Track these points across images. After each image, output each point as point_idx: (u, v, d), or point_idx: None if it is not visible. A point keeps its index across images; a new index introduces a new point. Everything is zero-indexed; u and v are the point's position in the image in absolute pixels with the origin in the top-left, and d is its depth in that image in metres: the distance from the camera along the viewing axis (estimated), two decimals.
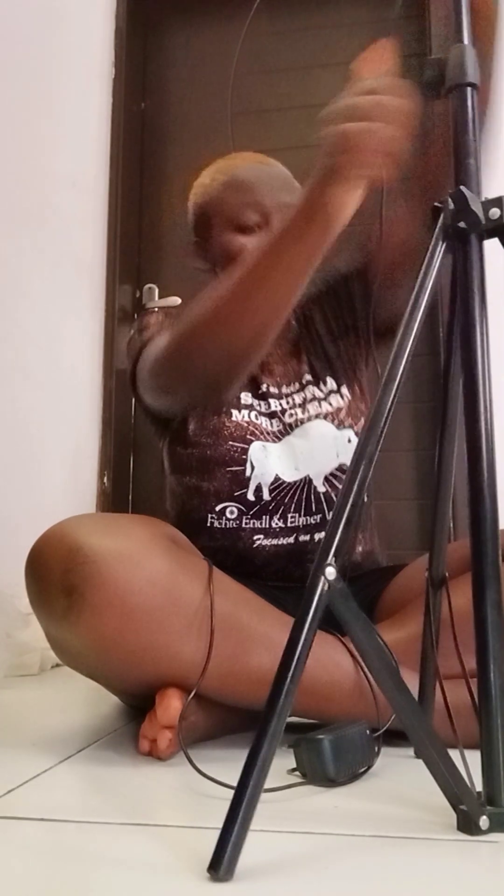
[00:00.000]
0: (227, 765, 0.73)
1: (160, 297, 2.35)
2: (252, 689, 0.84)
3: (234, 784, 0.54)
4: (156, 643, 0.83)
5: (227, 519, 1.13)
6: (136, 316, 2.37)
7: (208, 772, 0.74)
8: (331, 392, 1.20)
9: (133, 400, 1.14)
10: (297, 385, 1.20)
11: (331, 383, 1.21)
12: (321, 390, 1.20)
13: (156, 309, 1.19)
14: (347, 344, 1.24)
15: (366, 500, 1.23)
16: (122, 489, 2.24)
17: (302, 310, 1.26)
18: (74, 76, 2.40)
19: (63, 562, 0.83)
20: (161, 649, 0.83)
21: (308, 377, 1.21)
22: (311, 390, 1.19)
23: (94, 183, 2.33)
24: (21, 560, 0.89)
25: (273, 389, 1.19)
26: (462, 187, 0.70)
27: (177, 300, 2.30)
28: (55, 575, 0.83)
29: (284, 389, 1.19)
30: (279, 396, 1.19)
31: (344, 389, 1.21)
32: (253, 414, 1.16)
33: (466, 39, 0.74)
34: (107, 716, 1.14)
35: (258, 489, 1.12)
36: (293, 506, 1.13)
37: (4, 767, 0.83)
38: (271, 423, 1.16)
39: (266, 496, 1.12)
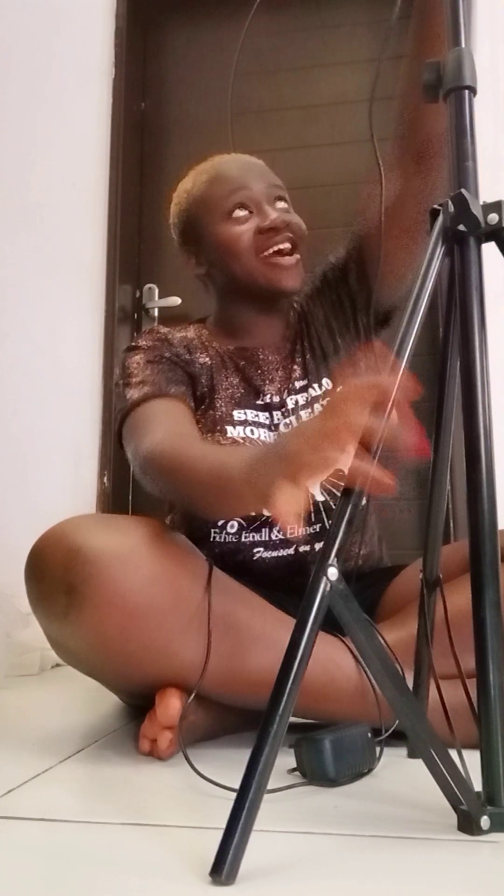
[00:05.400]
0: (228, 765, 0.74)
1: (160, 297, 2.35)
2: (252, 688, 0.84)
3: (234, 786, 0.54)
4: (155, 643, 0.83)
5: (228, 533, 1.11)
6: (135, 316, 2.38)
7: (209, 772, 0.74)
8: (327, 392, 1.17)
9: None
10: (294, 388, 1.18)
11: (327, 384, 1.18)
12: (316, 390, 1.17)
13: (140, 345, 1.17)
14: (347, 340, 1.21)
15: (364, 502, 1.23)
16: (122, 489, 2.24)
17: (300, 309, 1.25)
18: (74, 76, 2.40)
19: (63, 562, 0.83)
20: (160, 649, 0.83)
21: (302, 382, 1.18)
22: (309, 393, 1.17)
23: (93, 183, 2.33)
24: (21, 560, 0.89)
25: (275, 399, 1.16)
26: (462, 190, 0.70)
27: (177, 300, 2.30)
28: (55, 575, 0.83)
29: (285, 396, 1.17)
30: (280, 406, 1.16)
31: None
32: (249, 429, 1.13)
33: (464, 43, 0.74)
34: (107, 716, 1.14)
35: None
36: None
37: (4, 767, 0.83)
38: (270, 436, 1.13)
39: (266, 511, 1.10)
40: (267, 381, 1.18)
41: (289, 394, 1.18)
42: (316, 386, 1.18)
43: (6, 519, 2.10)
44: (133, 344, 1.18)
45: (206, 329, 1.24)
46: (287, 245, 1.11)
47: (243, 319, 1.20)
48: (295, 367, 1.20)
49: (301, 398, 1.17)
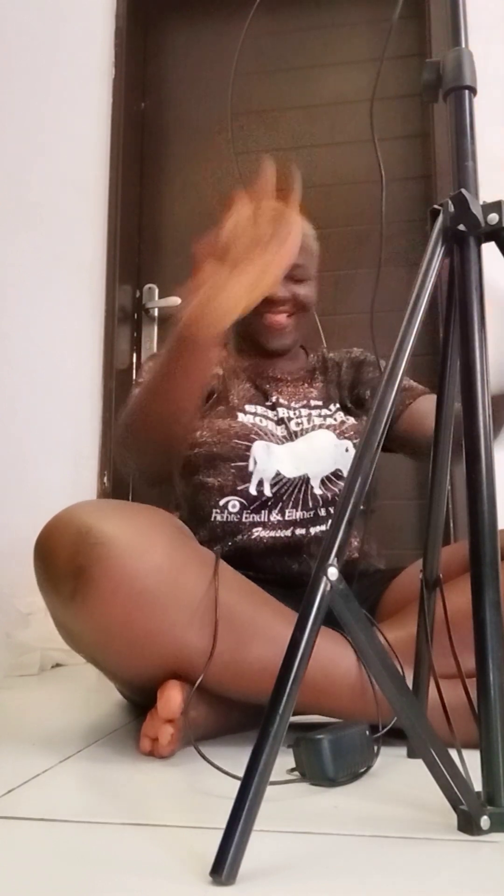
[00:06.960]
0: (229, 762, 0.74)
1: (160, 297, 2.35)
2: (253, 681, 0.85)
3: (239, 774, 0.54)
4: (159, 630, 0.83)
5: (229, 513, 1.17)
6: (135, 316, 2.38)
7: (210, 769, 0.74)
8: (336, 411, 1.29)
9: None
10: (309, 404, 1.28)
11: (335, 408, 1.30)
12: (328, 410, 1.28)
13: (159, 353, 1.29)
14: (360, 409, 1.34)
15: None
16: (122, 489, 2.24)
17: (323, 354, 1.37)
18: (74, 76, 2.40)
19: (72, 544, 0.83)
20: (164, 636, 0.84)
21: (318, 402, 1.29)
22: (323, 412, 1.27)
23: (94, 183, 2.33)
24: (21, 560, 0.90)
25: (283, 401, 1.27)
26: (462, 190, 0.70)
27: (177, 300, 2.30)
28: (63, 556, 0.83)
29: (294, 404, 1.27)
30: (288, 407, 1.26)
31: (351, 419, 1.28)
32: (259, 418, 1.22)
33: (464, 42, 0.74)
34: (107, 715, 1.14)
35: (260, 483, 1.17)
36: (291, 502, 1.18)
37: (4, 767, 0.83)
38: (277, 429, 1.22)
39: (267, 492, 1.17)
40: (275, 392, 1.28)
41: (297, 402, 1.28)
42: (332, 407, 1.29)
43: (6, 519, 2.10)
44: (154, 353, 1.32)
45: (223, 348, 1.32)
46: (282, 316, 1.24)
47: (255, 351, 1.31)
48: (312, 389, 1.32)
49: (315, 412, 1.27)
